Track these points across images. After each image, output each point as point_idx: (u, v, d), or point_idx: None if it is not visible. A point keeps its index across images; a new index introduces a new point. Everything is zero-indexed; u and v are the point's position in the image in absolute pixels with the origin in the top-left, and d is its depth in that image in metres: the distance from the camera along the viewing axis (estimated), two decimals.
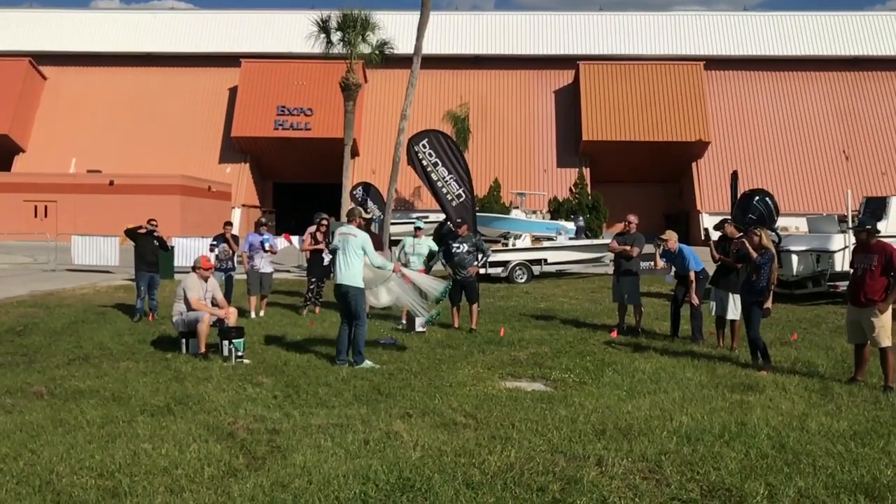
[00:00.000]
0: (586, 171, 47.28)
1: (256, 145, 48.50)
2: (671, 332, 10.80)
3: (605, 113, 47.18)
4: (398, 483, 4.72)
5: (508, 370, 8.39)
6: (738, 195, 18.41)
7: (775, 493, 4.64)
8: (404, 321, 11.35)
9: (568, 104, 49.91)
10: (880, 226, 13.29)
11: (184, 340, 9.33)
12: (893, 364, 7.50)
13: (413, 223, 13.74)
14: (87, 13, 56.54)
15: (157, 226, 13.10)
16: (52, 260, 22.34)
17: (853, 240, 10.99)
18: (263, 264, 13.11)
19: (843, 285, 13.47)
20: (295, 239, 21.74)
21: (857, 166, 47.18)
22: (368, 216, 21.31)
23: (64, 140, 48.06)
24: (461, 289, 11.62)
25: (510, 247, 21.56)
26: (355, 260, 8.66)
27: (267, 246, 13.26)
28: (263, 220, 14.80)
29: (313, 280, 13.62)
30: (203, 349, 9.01)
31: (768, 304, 8.47)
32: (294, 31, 43.89)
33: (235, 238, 13.88)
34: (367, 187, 27.62)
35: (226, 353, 8.77)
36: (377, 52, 27.39)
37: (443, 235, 13.67)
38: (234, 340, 8.79)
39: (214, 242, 13.82)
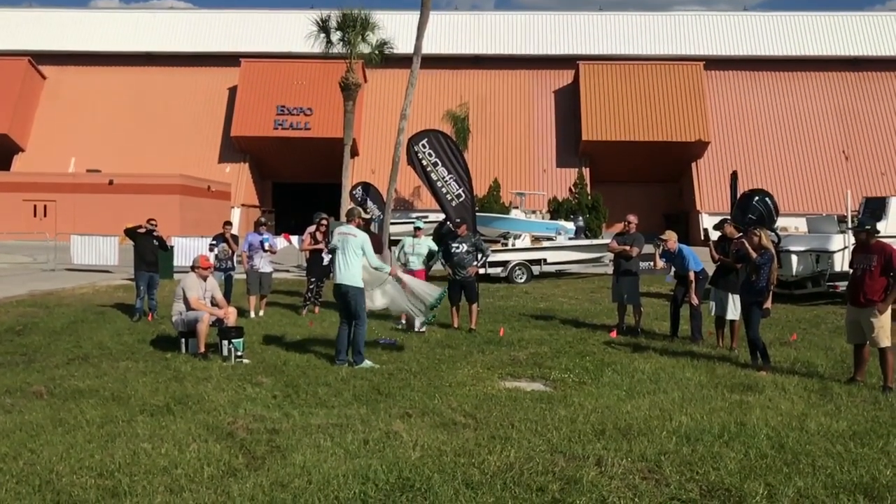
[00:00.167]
0: (586, 171, 47.29)
1: (256, 145, 48.51)
2: (671, 333, 10.80)
3: (604, 113, 47.20)
4: (398, 483, 4.72)
5: (508, 370, 8.39)
6: (738, 195, 18.40)
7: (774, 493, 4.65)
8: (403, 321, 11.35)
9: (568, 104, 49.92)
10: (880, 226, 13.28)
11: (183, 340, 9.33)
12: (893, 364, 7.50)
13: (413, 223, 13.73)
14: (87, 13, 56.55)
15: (156, 225, 13.09)
16: (51, 259, 22.34)
17: (853, 240, 11.00)
18: (263, 264, 13.11)
19: (842, 285, 13.49)
20: (294, 239, 21.74)
21: (857, 166, 47.21)
22: (368, 216, 21.31)
23: (63, 139, 48.07)
24: (460, 289, 11.63)
25: (510, 247, 21.56)
26: (355, 260, 8.66)
27: (266, 246, 13.26)
28: (263, 219, 14.81)
29: (313, 280, 13.62)
30: (202, 349, 9.01)
31: (768, 305, 8.48)
32: (294, 31, 43.91)
33: (235, 238, 13.88)
34: (367, 187, 27.62)
35: (225, 352, 8.76)
36: (377, 51, 27.40)
37: (442, 235, 13.66)
38: (233, 340, 8.78)
39: (214, 242, 13.82)
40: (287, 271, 21.86)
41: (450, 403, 6.72)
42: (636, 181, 48.47)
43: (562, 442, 5.60)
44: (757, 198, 16.41)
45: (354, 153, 36.74)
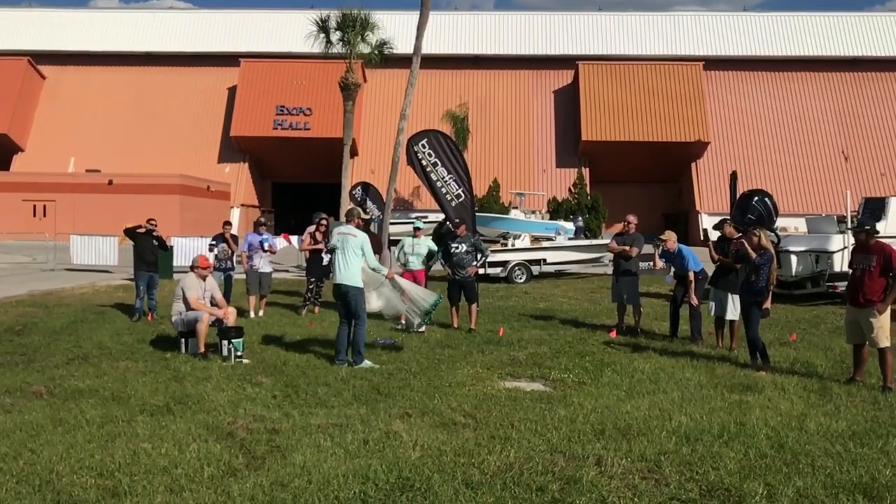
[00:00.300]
0: (585, 172, 47.30)
1: (255, 145, 48.50)
2: (670, 333, 10.81)
3: (604, 113, 47.21)
4: (398, 483, 4.72)
5: (508, 370, 8.40)
6: (738, 195, 18.41)
7: (774, 492, 4.65)
8: (403, 321, 11.34)
9: (567, 104, 49.92)
10: (879, 226, 13.28)
11: (183, 340, 9.34)
12: (892, 364, 7.51)
13: (412, 223, 13.73)
14: (86, 12, 56.54)
15: (156, 225, 13.10)
16: (51, 259, 22.34)
17: (852, 240, 11.01)
18: (262, 264, 13.11)
19: (841, 286, 13.49)
20: (294, 239, 21.74)
21: (857, 167, 47.23)
22: (367, 216, 21.29)
23: (63, 139, 48.06)
24: (460, 289, 11.64)
25: (509, 247, 21.56)
26: (354, 260, 8.66)
27: (266, 246, 13.26)
28: (262, 219, 14.80)
29: (312, 280, 13.62)
30: (202, 349, 9.01)
31: (767, 305, 8.48)
32: (293, 31, 43.90)
33: (234, 238, 13.89)
34: (367, 187, 27.60)
35: (225, 352, 8.77)
36: (376, 51, 27.40)
37: (442, 235, 13.66)
38: (233, 340, 8.78)
39: (213, 242, 13.83)
40: (287, 271, 21.86)
41: (449, 403, 6.73)
42: (636, 181, 48.48)
43: (561, 442, 5.60)
44: (756, 198, 16.41)
45: (354, 153, 36.75)
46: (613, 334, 10.91)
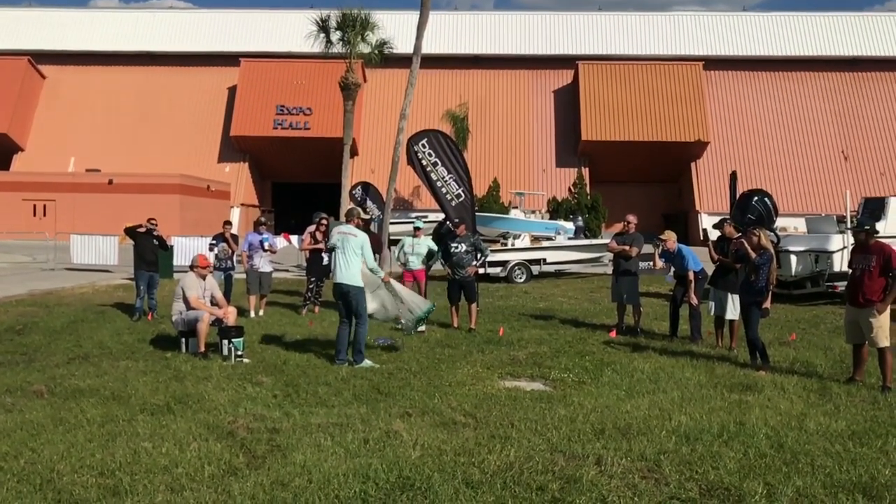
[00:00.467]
0: (585, 171, 47.31)
1: (255, 145, 48.50)
2: (670, 332, 10.81)
3: (604, 113, 47.21)
4: (398, 482, 4.73)
5: (507, 370, 8.40)
6: (737, 195, 18.43)
7: (774, 492, 4.66)
8: (403, 321, 11.34)
9: (567, 104, 49.93)
10: (879, 226, 13.28)
11: (183, 340, 9.34)
12: (891, 364, 7.52)
13: (412, 223, 13.74)
14: (86, 12, 56.54)
15: (156, 225, 13.10)
16: (51, 259, 22.35)
17: (852, 240, 11.01)
18: (263, 264, 13.12)
19: (841, 285, 13.50)
20: (294, 238, 21.75)
21: (856, 167, 47.23)
22: (367, 216, 21.30)
23: (63, 139, 48.06)
24: (460, 288, 11.64)
25: (509, 247, 21.56)
26: (355, 259, 8.67)
27: (266, 245, 13.27)
28: (263, 219, 14.81)
29: (312, 279, 13.63)
30: (202, 348, 9.02)
31: (767, 305, 8.49)
32: (293, 31, 43.90)
33: (235, 237, 13.89)
34: (367, 187, 27.61)
35: (225, 352, 8.77)
36: (376, 51, 27.41)
37: (442, 235, 13.67)
38: (233, 340, 8.79)
39: (214, 242, 13.83)
40: (287, 271, 21.87)
41: (450, 403, 6.74)
42: (635, 181, 48.48)
43: (561, 441, 5.61)
44: (756, 198, 16.44)
45: (354, 153, 36.76)
46: (613, 334, 10.91)
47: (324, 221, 14.17)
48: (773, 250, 8.71)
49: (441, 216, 16.30)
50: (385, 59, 28.33)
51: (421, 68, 23.32)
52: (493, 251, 19.73)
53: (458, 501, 4.47)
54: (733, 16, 54.52)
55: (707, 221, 41.62)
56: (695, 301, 10.41)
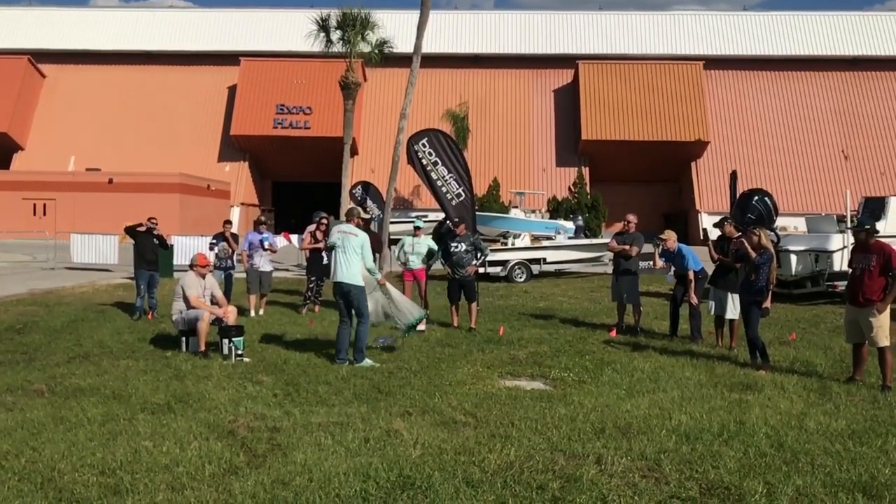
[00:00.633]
0: (585, 171, 47.29)
1: (256, 144, 48.50)
2: (670, 332, 10.82)
3: (604, 112, 47.20)
4: (398, 481, 4.74)
5: (508, 369, 8.41)
6: (737, 195, 18.43)
7: (774, 491, 4.66)
8: (398, 323, 11.32)
9: (567, 103, 49.92)
10: (879, 226, 13.28)
11: (183, 339, 9.35)
12: (891, 363, 7.52)
13: (412, 222, 13.74)
14: (86, 11, 56.54)
15: (157, 224, 13.11)
16: (51, 258, 22.34)
17: (852, 240, 11.02)
18: (263, 263, 13.12)
19: (841, 285, 13.50)
20: (294, 238, 21.74)
21: (856, 166, 47.22)
22: (368, 216, 21.31)
23: (63, 138, 48.04)
24: (460, 288, 11.64)
25: (509, 246, 21.56)
26: (355, 259, 8.67)
27: (266, 245, 13.27)
28: (263, 218, 14.81)
29: (313, 279, 13.63)
30: (203, 347, 9.02)
31: (767, 304, 8.49)
32: (294, 30, 43.90)
33: (235, 237, 13.90)
34: (367, 186, 27.62)
35: (226, 351, 8.78)
36: (377, 51, 27.38)
37: (442, 234, 13.68)
38: (233, 339, 8.79)
39: (214, 241, 13.84)
40: (287, 270, 21.88)
41: (450, 402, 6.74)
42: (635, 181, 48.48)
43: (562, 440, 5.61)
44: (756, 197, 16.44)
45: (354, 152, 36.75)
46: (613, 333, 10.92)
47: (324, 221, 14.17)
48: (773, 250, 8.72)
49: (441, 215, 16.31)
50: (385, 58, 28.31)
51: (421, 68, 23.31)
52: (493, 250, 19.73)
53: (458, 500, 4.48)
54: (733, 15, 54.52)
55: (707, 221, 41.63)
56: (695, 300, 10.42)
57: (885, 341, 7.57)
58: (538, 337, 10.64)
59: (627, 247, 11.21)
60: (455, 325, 11.61)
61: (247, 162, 49.23)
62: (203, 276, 9.64)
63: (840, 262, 14.69)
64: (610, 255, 13.46)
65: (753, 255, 8.51)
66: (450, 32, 50.84)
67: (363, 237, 8.79)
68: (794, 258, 15.72)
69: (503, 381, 7.80)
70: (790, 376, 7.98)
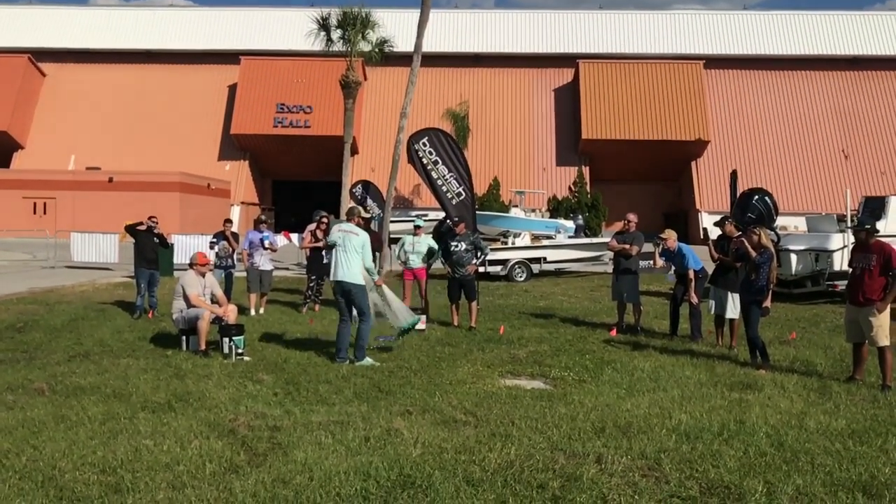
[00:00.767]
0: (585, 170, 47.29)
1: (256, 143, 48.49)
2: (670, 331, 10.82)
3: (604, 112, 47.20)
4: (399, 480, 4.74)
5: (508, 368, 8.42)
6: (738, 194, 18.43)
7: (774, 490, 4.67)
8: (390, 325, 11.30)
9: (567, 103, 49.92)
10: (879, 225, 13.31)
11: (184, 337, 9.35)
12: (891, 363, 7.53)
13: (413, 221, 13.75)
14: (87, 10, 56.51)
15: (157, 222, 13.11)
16: (51, 257, 22.35)
17: (852, 239, 11.02)
18: (263, 262, 13.12)
19: (841, 284, 13.51)
20: (294, 237, 21.74)
21: (857, 166, 47.23)
22: (368, 215, 21.30)
23: (63, 137, 48.03)
24: (460, 287, 11.65)
25: (509, 245, 21.56)
26: (356, 258, 8.67)
27: (267, 243, 13.28)
28: (263, 217, 14.81)
29: (313, 278, 13.63)
30: (203, 346, 9.02)
31: (767, 303, 8.50)
32: (294, 29, 43.88)
33: (235, 235, 13.89)
34: (367, 185, 27.61)
35: (226, 350, 8.78)
36: (377, 49, 27.36)
37: (442, 234, 13.67)
38: (234, 338, 8.80)
39: (214, 240, 13.83)
40: (287, 269, 21.87)
41: (450, 401, 6.74)
42: (636, 180, 48.50)
43: (562, 439, 5.62)
44: (756, 197, 16.44)
45: (354, 151, 36.73)
46: (613, 332, 10.93)
47: (324, 220, 14.17)
48: (773, 249, 8.72)
49: (441, 215, 16.31)
50: (385, 57, 28.29)
51: (421, 67, 23.29)
52: (493, 250, 19.73)
53: (458, 499, 4.48)
54: (734, 15, 54.51)
55: (707, 220, 41.65)
56: (695, 300, 10.42)
57: (885, 341, 7.58)
58: (538, 336, 10.64)
59: (628, 246, 11.22)
60: (455, 324, 11.62)
61: (247, 161, 49.23)
62: (203, 275, 9.64)
63: (840, 262, 14.70)
64: (610, 254, 13.46)
65: (753, 254, 8.51)
66: (450, 31, 50.83)
67: (364, 237, 8.79)
68: (794, 257, 15.73)
69: (503, 381, 7.81)
70: (790, 376, 7.98)
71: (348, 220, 9.16)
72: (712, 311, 10.13)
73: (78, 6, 56.50)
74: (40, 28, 52.56)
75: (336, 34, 26.75)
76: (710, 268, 10.37)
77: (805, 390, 7.36)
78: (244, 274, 13.40)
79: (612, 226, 37.98)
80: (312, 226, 14.22)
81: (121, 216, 19.56)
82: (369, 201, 26.42)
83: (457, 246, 11.71)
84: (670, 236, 10.96)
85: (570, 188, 46.30)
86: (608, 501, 4.50)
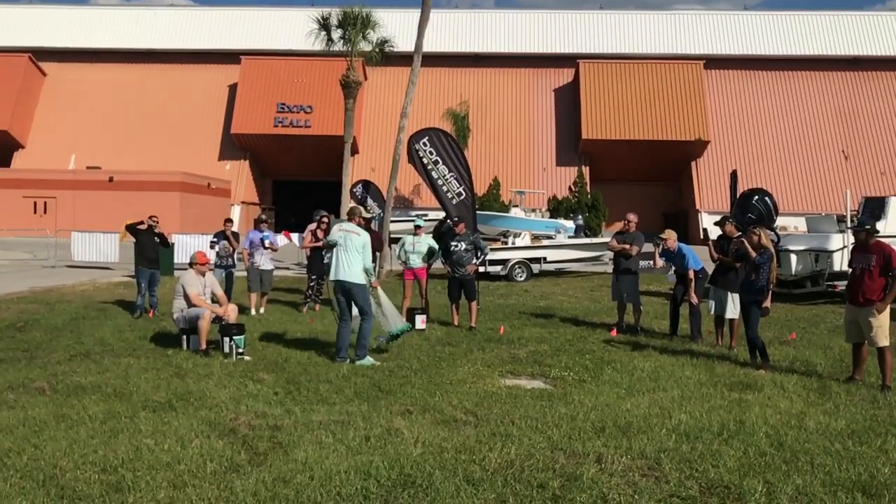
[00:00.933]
0: (586, 170, 47.28)
1: (256, 142, 48.50)
2: (670, 331, 10.83)
3: (604, 112, 47.20)
4: (399, 479, 4.75)
5: (508, 368, 8.43)
6: (738, 194, 18.44)
7: (773, 490, 4.68)
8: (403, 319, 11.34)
9: (568, 103, 49.92)
10: (879, 226, 13.32)
11: (184, 337, 9.36)
12: (891, 363, 7.54)
13: (413, 221, 13.76)
14: (87, 9, 56.50)
15: (157, 222, 13.12)
16: (51, 256, 22.35)
17: (852, 239, 11.03)
18: (264, 261, 13.13)
19: (841, 285, 13.52)
20: (295, 236, 21.75)
21: (857, 166, 47.22)
22: (368, 215, 21.32)
23: (63, 136, 48.04)
24: (460, 287, 11.66)
25: (509, 245, 21.56)
26: (357, 258, 8.68)
27: (267, 243, 13.28)
28: (263, 217, 14.82)
29: (313, 277, 13.64)
30: (204, 346, 9.03)
31: (767, 304, 8.51)
32: (294, 29, 43.88)
33: (236, 235, 13.90)
34: (367, 185, 27.62)
35: (226, 349, 8.79)
36: (377, 49, 27.34)
37: (442, 233, 13.69)
38: (234, 337, 8.80)
39: (215, 240, 13.84)
40: (287, 269, 21.88)
41: (450, 401, 6.75)
42: (636, 180, 48.49)
43: (562, 439, 5.63)
44: (756, 197, 16.45)
45: (355, 151, 36.77)
46: (613, 332, 10.94)
47: (324, 219, 14.18)
48: (773, 249, 8.73)
49: (442, 214, 16.33)
50: (386, 57, 28.26)
51: (422, 67, 23.31)
52: (493, 249, 19.73)
53: (459, 499, 4.49)
54: (734, 15, 54.49)
55: (707, 220, 41.65)
56: (695, 300, 10.43)
57: (884, 341, 7.59)
58: (538, 336, 10.65)
59: (628, 246, 11.23)
60: (455, 323, 11.63)
61: (247, 160, 49.22)
62: (203, 274, 9.65)
63: (840, 262, 14.71)
64: (610, 254, 13.46)
65: (753, 254, 8.52)
66: (450, 31, 50.83)
67: (365, 237, 8.80)
68: (794, 258, 15.74)
69: (503, 380, 7.82)
70: (790, 376, 7.99)
71: (349, 219, 9.17)
72: (712, 312, 10.14)
73: (78, 6, 56.49)
74: (41, 28, 52.55)
75: (336, 34, 26.72)
76: (710, 268, 10.38)
77: (805, 390, 7.37)
78: (245, 273, 13.41)
79: (612, 226, 37.98)
80: (313, 225, 14.23)
81: (121, 216, 19.57)
82: (370, 201, 26.44)
83: (457, 246, 11.72)
84: (670, 236, 10.97)
85: (570, 188, 46.30)
86: (608, 501, 4.51)
